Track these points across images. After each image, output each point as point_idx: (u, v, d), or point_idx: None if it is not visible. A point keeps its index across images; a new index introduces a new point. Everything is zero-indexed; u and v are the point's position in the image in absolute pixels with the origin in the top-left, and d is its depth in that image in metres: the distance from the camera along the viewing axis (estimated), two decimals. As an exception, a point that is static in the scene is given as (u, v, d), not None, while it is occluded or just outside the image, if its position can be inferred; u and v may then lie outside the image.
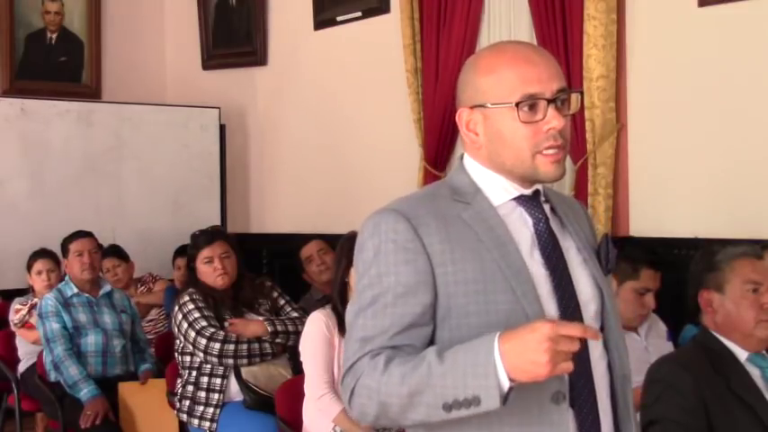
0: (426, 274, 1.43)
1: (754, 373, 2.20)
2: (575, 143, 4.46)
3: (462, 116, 1.54)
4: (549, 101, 1.47)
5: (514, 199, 1.53)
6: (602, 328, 1.53)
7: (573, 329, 1.30)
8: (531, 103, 1.46)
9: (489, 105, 1.49)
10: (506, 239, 1.47)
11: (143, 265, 5.38)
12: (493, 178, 1.53)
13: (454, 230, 1.46)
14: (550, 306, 1.45)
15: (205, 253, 3.55)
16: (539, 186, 1.56)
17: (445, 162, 4.94)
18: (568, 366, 1.31)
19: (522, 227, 1.51)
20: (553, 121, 1.46)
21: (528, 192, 1.54)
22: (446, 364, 1.34)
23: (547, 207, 1.56)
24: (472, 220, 1.48)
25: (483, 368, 1.31)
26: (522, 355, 1.29)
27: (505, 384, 1.31)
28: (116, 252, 5.16)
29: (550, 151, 1.48)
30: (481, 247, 1.45)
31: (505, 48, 1.54)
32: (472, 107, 1.52)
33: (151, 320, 5.02)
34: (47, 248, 4.79)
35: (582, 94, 1.62)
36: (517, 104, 1.46)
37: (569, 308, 1.47)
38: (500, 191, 1.53)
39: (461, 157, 1.60)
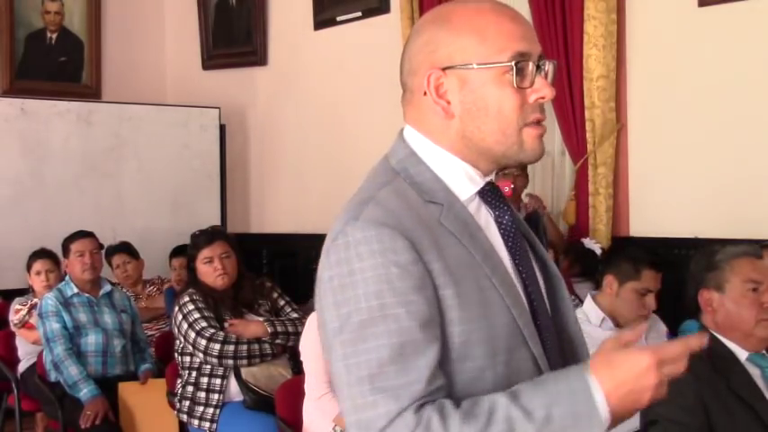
0: (435, 300, 1.18)
1: (754, 372, 2.20)
2: (575, 143, 4.46)
3: (431, 79, 1.26)
4: (537, 66, 1.26)
5: (477, 192, 1.31)
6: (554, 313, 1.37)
7: (675, 349, 1.15)
8: (520, 66, 1.24)
9: (475, 66, 1.24)
10: (489, 248, 1.25)
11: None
12: (455, 165, 1.29)
13: (444, 243, 1.21)
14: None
15: (205, 253, 3.55)
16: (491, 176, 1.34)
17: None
18: (664, 390, 1.15)
19: (490, 225, 1.30)
20: (544, 89, 1.25)
21: (488, 179, 1.32)
22: (537, 420, 1.11)
23: None
24: (453, 227, 1.23)
25: (586, 419, 1.11)
26: (630, 394, 1.12)
27: (607, 425, 1.13)
28: (126, 249, 5.17)
29: (536, 126, 1.27)
30: (473, 262, 1.22)
31: (482, 3, 1.29)
32: (446, 69, 1.25)
33: (153, 319, 5.02)
34: (46, 248, 4.79)
35: (555, 64, 1.31)
36: (515, 64, 1.23)
37: (543, 317, 1.29)
38: (465, 182, 1.29)
39: (402, 136, 1.33)
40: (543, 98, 1.26)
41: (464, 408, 1.13)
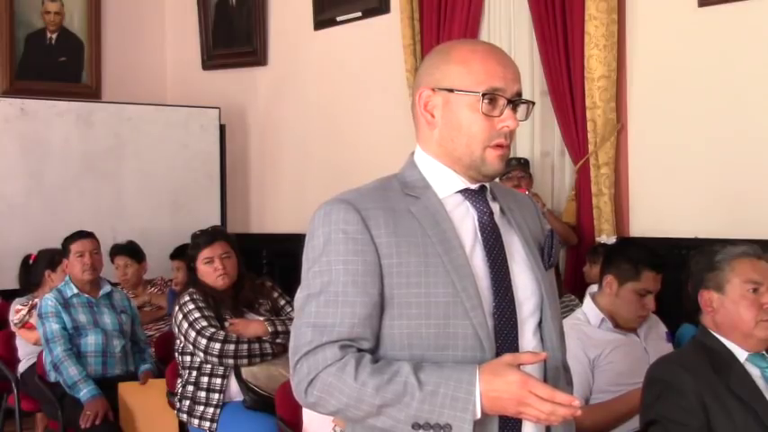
0: (374, 265, 1.49)
1: (754, 373, 2.20)
2: (575, 143, 4.45)
3: (423, 95, 1.58)
4: (509, 101, 1.54)
5: (461, 192, 1.59)
6: (540, 322, 1.59)
7: (544, 389, 1.39)
8: (492, 97, 1.53)
9: (455, 91, 1.54)
10: (451, 235, 1.53)
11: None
12: (442, 171, 1.59)
13: (402, 224, 1.52)
14: (487, 300, 1.51)
15: (205, 253, 3.55)
16: (485, 183, 1.61)
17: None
18: (526, 410, 1.41)
19: (466, 220, 1.57)
20: (509, 120, 1.54)
21: (474, 187, 1.60)
22: (425, 391, 1.41)
23: (496, 207, 1.62)
24: (420, 214, 1.53)
25: (462, 403, 1.40)
26: (498, 400, 1.40)
27: (478, 416, 1.41)
28: (129, 251, 5.12)
29: (498, 148, 1.55)
30: (426, 242, 1.50)
31: (479, 45, 1.63)
32: (435, 89, 1.57)
33: (153, 320, 5.01)
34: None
35: (533, 104, 1.64)
36: (483, 95, 1.52)
37: (503, 302, 1.53)
38: (448, 183, 1.59)
39: (412, 154, 1.65)
40: (507, 127, 1.54)
41: (377, 365, 1.45)
